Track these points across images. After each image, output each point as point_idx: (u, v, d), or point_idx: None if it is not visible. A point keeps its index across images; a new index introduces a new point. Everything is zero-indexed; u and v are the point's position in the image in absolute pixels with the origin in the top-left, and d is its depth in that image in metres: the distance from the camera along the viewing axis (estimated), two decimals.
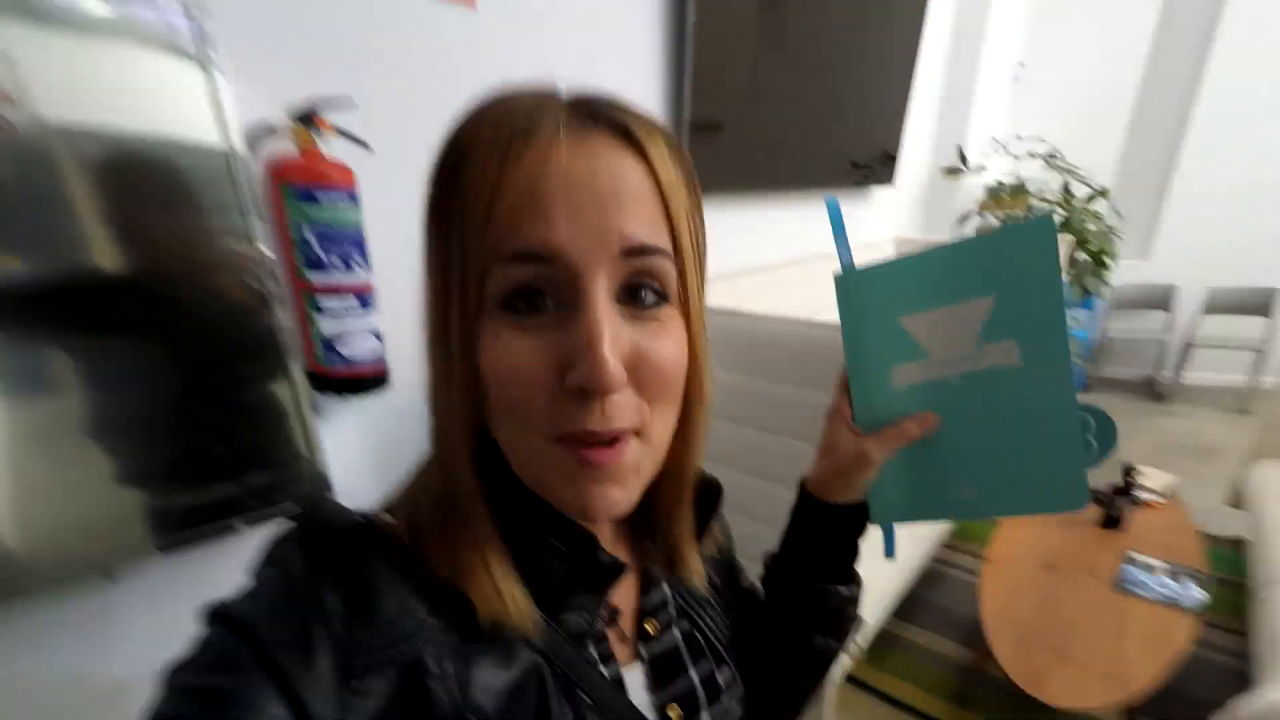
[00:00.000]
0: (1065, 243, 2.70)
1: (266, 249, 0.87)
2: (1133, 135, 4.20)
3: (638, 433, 0.35)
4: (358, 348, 1.00)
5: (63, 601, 0.87)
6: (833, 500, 0.51)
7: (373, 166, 1.04)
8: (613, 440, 0.34)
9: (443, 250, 0.34)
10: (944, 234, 3.53)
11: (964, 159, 3.40)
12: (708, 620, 0.51)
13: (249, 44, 0.91)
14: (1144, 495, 2.09)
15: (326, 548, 0.35)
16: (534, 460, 0.35)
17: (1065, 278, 2.91)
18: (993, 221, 3.60)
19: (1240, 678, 1.72)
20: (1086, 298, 3.34)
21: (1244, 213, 3.91)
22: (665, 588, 0.50)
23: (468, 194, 0.32)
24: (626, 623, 0.46)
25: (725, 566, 0.59)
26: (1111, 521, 1.96)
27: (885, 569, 1.82)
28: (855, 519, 0.52)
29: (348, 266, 0.95)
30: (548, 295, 0.33)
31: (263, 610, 0.32)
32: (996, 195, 3.59)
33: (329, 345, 0.96)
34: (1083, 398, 0.40)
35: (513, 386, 0.33)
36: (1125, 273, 4.19)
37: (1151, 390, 4.25)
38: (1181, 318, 4.14)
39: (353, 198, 0.96)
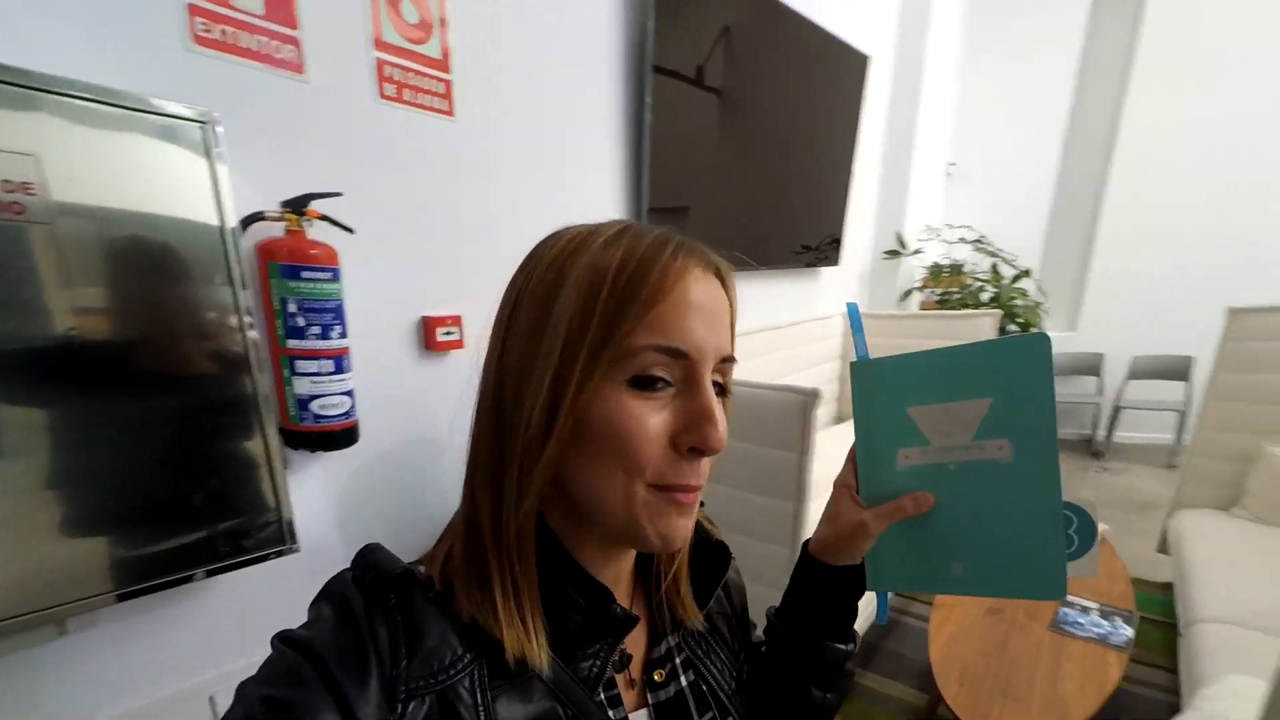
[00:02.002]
0: (995, 316, 2.82)
1: (249, 318, 0.92)
2: (1053, 222, 4.46)
3: None
4: (330, 407, 1.03)
5: (11, 652, 0.85)
6: (832, 563, 0.53)
7: (355, 245, 1.11)
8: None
9: (583, 331, 0.38)
10: (889, 308, 3.67)
11: (902, 243, 3.58)
12: (714, 671, 0.53)
13: (253, 145, 1.00)
14: None
15: (379, 588, 0.38)
16: (629, 500, 0.39)
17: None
18: (932, 296, 3.76)
19: (1172, 709, 1.69)
20: None
21: (1158, 289, 4.10)
22: (673, 639, 0.51)
23: (632, 297, 0.37)
24: (635, 670, 0.48)
25: (738, 622, 0.60)
26: None
27: None
28: (853, 582, 0.53)
29: (325, 335, 1.00)
30: (668, 380, 0.39)
31: (325, 637, 0.35)
32: (937, 274, 3.76)
33: (303, 404, 1.00)
34: None
35: (633, 440, 0.37)
36: (1058, 343, 4.33)
37: (1089, 449, 4.31)
38: (1110, 383, 4.26)
39: (334, 274, 1.02)
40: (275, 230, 1.00)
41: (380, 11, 1.17)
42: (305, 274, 0.97)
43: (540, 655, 0.38)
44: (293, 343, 0.98)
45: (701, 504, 0.54)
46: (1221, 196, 3.84)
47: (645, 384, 0.38)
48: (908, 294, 3.69)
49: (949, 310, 3.56)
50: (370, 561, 0.40)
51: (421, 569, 0.42)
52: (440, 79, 1.29)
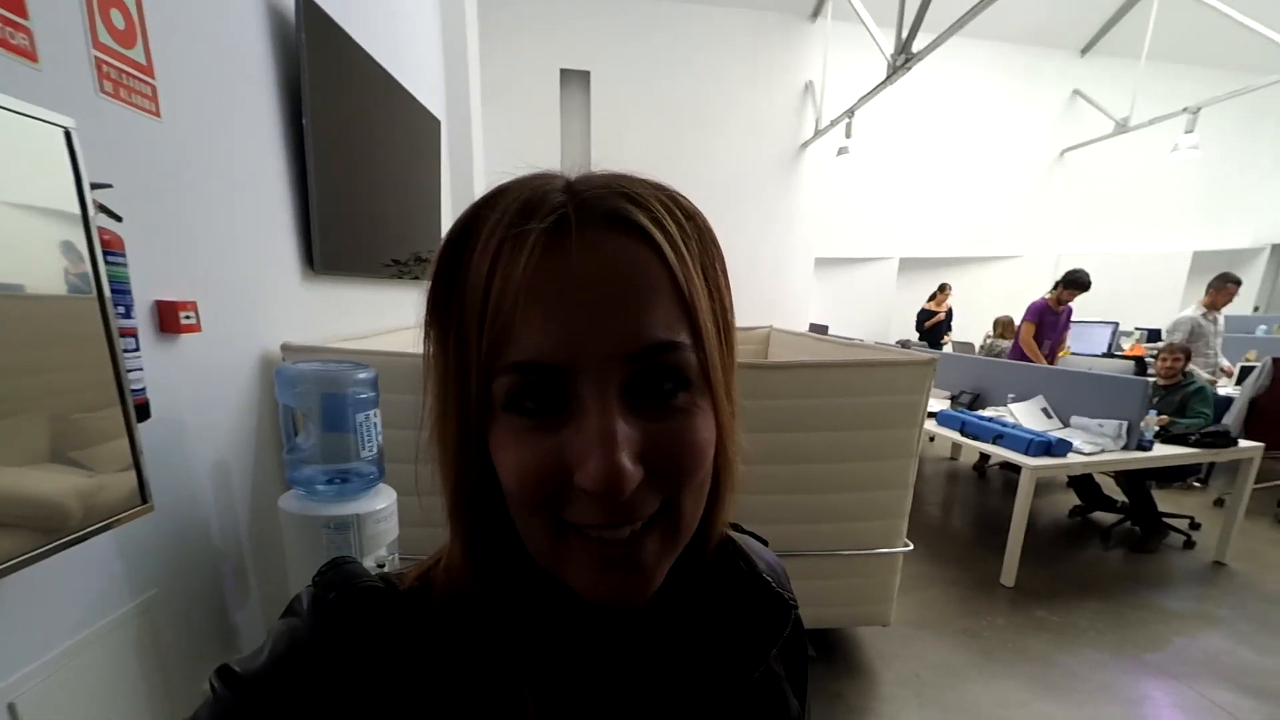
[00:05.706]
0: None
1: None
2: None
3: (661, 515, 0.29)
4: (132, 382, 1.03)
5: None
6: None
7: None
8: (630, 533, 0.28)
9: (444, 355, 0.30)
10: None
11: None
12: None
13: None
14: None
15: (337, 611, 0.32)
16: (551, 551, 0.29)
17: None
18: None
19: None
20: None
21: None
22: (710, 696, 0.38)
23: (465, 301, 0.28)
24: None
25: (796, 689, 0.45)
26: None
27: None
28: None
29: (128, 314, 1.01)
30: (556, 395, 0.27)
31: (265, 671, 0.30)
32: None
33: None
34: None
35: (525, 485, 0.28)
36: None
37: None
38: None
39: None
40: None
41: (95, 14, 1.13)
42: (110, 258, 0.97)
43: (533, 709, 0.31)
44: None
45: (746, 532, 0.46)
46: None
47: (521, 405, 0.27)
48: None
49: None
50: (333, 578, 0.33)
51: (402, 578, 0.35)
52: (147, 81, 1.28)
